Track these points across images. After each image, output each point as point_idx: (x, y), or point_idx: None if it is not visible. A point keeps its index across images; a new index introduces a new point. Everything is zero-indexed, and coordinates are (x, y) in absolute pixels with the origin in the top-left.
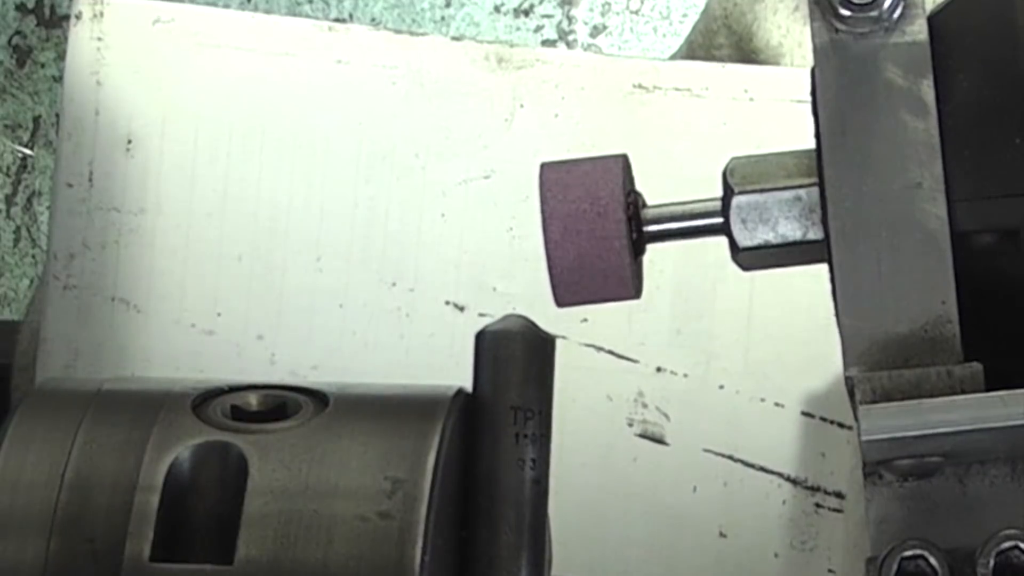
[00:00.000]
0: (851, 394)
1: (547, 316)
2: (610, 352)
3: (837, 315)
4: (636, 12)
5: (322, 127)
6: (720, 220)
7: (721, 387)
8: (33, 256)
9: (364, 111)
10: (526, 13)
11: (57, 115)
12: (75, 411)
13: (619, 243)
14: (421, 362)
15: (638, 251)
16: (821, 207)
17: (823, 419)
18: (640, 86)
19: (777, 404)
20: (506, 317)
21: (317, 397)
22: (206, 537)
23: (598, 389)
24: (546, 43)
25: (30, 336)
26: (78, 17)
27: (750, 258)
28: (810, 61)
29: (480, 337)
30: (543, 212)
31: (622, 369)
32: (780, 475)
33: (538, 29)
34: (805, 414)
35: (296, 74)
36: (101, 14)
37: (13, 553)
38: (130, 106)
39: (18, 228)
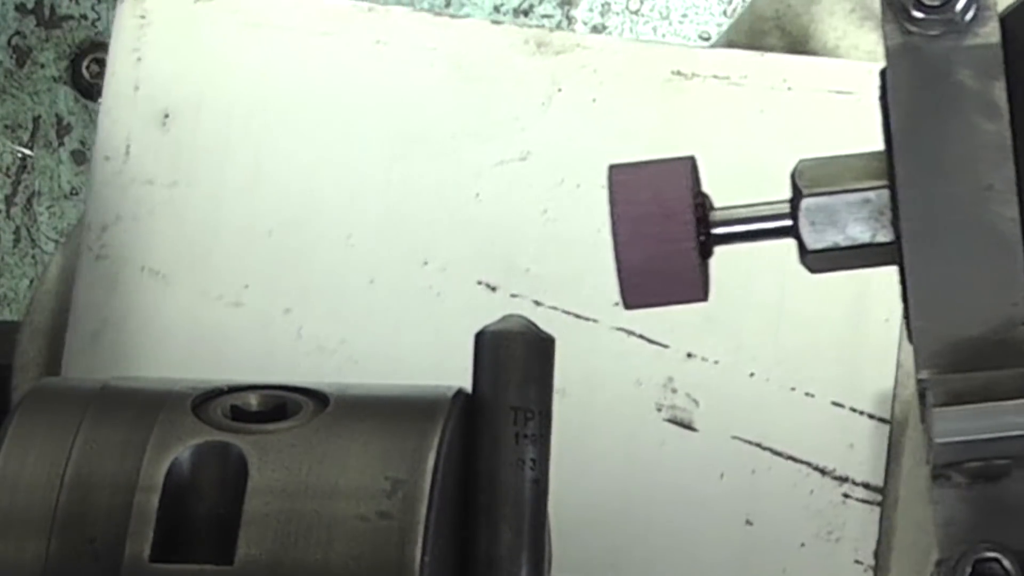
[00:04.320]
0: (922, 396)
1: (579, 299)
2: (640, 336)
3: (907, 318)
4: (636, 12)
5: (358, 106)
6: (789, 223)
7: (751, 375)
8: (33, 256)
9: (401, 91)
10: (525, 13)
11: (57, 115)
12: (75, 411)
13: (687, 245)
14: (451, 341)
15: (706, 253)
16: (891, 209)
17: (852, 409)
18: (678, 73)
19: (807, 393)
20: (506, 317)
21: (317, 397)
22: (206, 537)
23: (627, 373)
24: None
25: (30, 336)
26: None
27: (818, 260)
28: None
29: (480, 337)
30: (612, 214)
31: (652, 354)
32: (808, 464)
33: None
34: (835, 404)
35: (334, 54)
36: None
37: (13, 553)
38: (168, 82)
39: (18, 228)
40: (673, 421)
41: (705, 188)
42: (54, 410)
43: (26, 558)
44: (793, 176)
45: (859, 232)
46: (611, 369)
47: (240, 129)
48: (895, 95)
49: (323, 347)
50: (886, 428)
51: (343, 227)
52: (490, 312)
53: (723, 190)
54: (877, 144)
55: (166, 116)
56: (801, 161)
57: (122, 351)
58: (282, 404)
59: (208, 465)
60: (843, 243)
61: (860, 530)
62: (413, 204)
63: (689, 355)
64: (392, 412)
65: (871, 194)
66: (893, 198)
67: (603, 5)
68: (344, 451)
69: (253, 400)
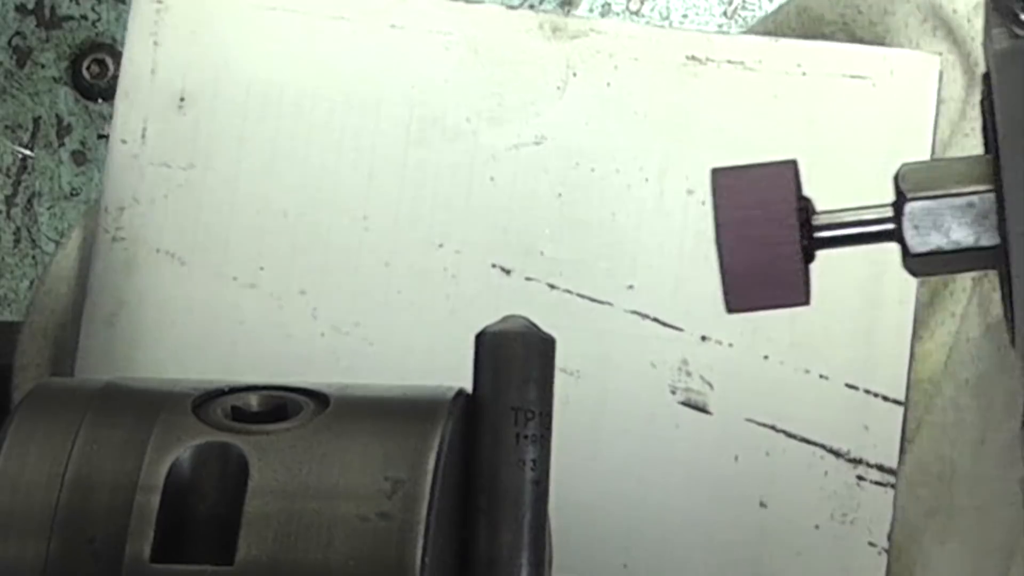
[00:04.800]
0: None
1: (593, 282)
2: (655, 320)
3: (1010, 321)
4: (636, 12)
5: (374, 90)
6: (892, 226)
7: (766, 357)
8: (33, 257)
9: (416, 76)
10: None
11: (58, 116)
12: (75, 411)
13: (792, 249)
14: (465, 323)
15: (809, 258)
16: (996, 213)
17: (867, 391)
18: (693, 58)
19: (822, 376)
20: (507, 318)
21: (317, 398)
22: (206, 537)
23: (642, 356)
24: None
25: (30, 336)
26: None
27: (921, 264)
28: None
29: (480, 337)
30: (716, 218)
31: (667, 337)
32: (822, 447)
33: None
34: (849, 386)
35: (350, 38)
36: None
37: (13, 553)
38: (185, 65)
39: (18, 229)
40: (687, 404)
41: None
42: (54, 410)
43: (26, 558)
44: (896, 180)
45: (963, 236)
46: (625, 352)
47: (256, 112)
48: (1002, 99)
49: (338, 328)
50: (900, 410)
51: (359, 210)
52: (505, 295)
53: None
54: (890, 127)
55: (182, 99)
56: (904, 165)
57: (138, 333)
58: (282, 404)
59: (208, 465)
60: (946, 247)
61: (874, 512)
62: (428, 187)
63: (704, 338)
64: (392, 412)
65: (975, 198)
66: (999, 202)
67: (603, 5)
68: (344, 451)
69: (253, 400)
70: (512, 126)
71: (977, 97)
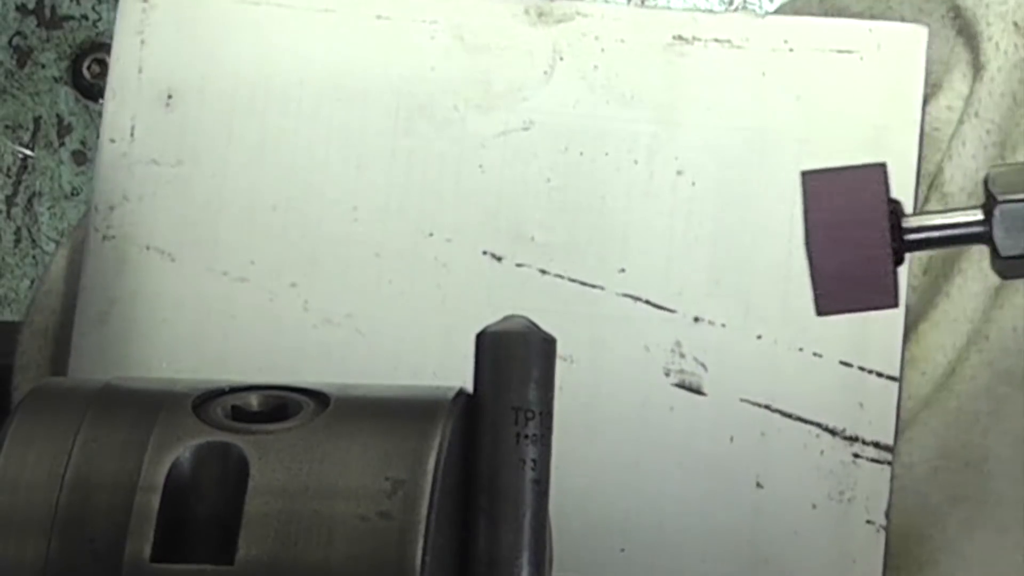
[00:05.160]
0: None
1: (585, 266)
2: (647, 302)
3: None
4: (641, 4)
5: (360, 81)
6: (982, 229)
7: (759, 337)
8: (33, 257)
9: (403, 65)
10: None
11: (58, 116)
12: (75, 411)
13: (883, 252)
14: (457, 311)
15: (899, 260)
16: None
17: (861, 368)
18: (680, 37)
19: (815, 354)
20: (507, 318)
21: (318, 398)
22: (207, 537)
23: (635, 339)
24: None
25: (30, 336)
26: None
27: (1011, 267)
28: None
29: (481, 337)
30: (806, 221)
31: (659, 319)
32: (818, 425)
33: None
34: (843, 364)
35: (336, 30)
36: None
37: (14, 553)
38: (172, 62)
39: (18, 229)
40: (682, 386)
41: (711, 151)
42: (55, 410)
43: (26, 558)
44: (986, 182)
45: None
46: (618, 335)
47: (244, 107)
48: None
49: (330, 320)
50: (895, 386)
51: (348, 201)
52: (496, 282)
53: (725, 151)
54: (879, 101)
55: (170, 97)
56: (993, 167)
57: (130, 330)
58: (283, 404)
59: (209, 465)
60: None
61: (871, 490)
62: (417, 176)
63: (696, 319)
64: (392, 412)
65: None
66: None
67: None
68: (345, 451)
69: (254, 400)
70: (500, 112)
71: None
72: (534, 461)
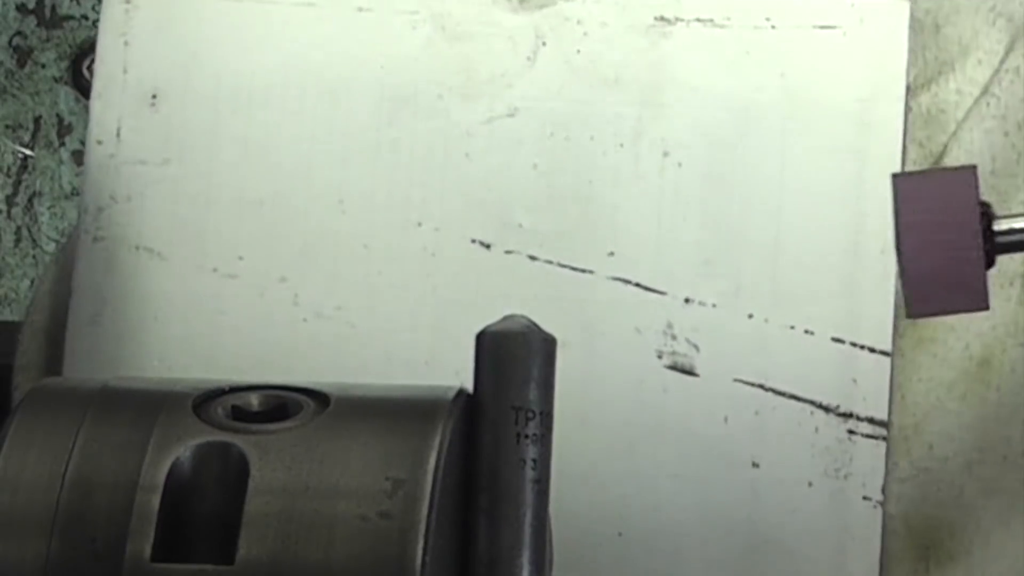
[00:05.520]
0: None
1: (574, 251)
2: (638, 285)
3: None
4: None
5: (343, 74)
6: None
7: (750, 316)
8: (33, 256)
9: (385, 56)
10: None
11: (58, 115)
12: (76, 411)
13: (975, 254)
14: (447, 300)
15: (990, 263)
16: None
17: (853, 344)
18: (662, 18)
19: (807, 331)
20: (507, 317)
21: (318, 398)
22: (207, 537)
23: (627, 322)
24: None
25: (31, 336)
26: None
27: None
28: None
29: (481, 337)
30: (898, 224)
31: (650, 301)
32: (812, 403)
33: None
34: (835, 340)
35: (317, 23)
36: None
37: (15, 552)
38: (155, 62)
39: (19, 228)
40: (674, 367)
41: (696, 131)
42: (55, 410)
43: (27, 557)
44: None
45: None
46: (610, 319)
47: (228, 104)
48: None
49: (320, 313)
50: (888, 361)
51: (335, 194)
52: (485, 269)
53: (710, 130)
54: (863, 76)
55: (154, 96)
56: None
57: (122, 330)
58: (283, 404)
59: (209, 465)
60: None
61: (867, 465)
62: (404, 167)
63: (687, 300)
64: (393, 412)
65: None
66: None
67: None
68: (345, 451)
69: (254, 400)
70: (484, 100)
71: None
72: (534, 461)
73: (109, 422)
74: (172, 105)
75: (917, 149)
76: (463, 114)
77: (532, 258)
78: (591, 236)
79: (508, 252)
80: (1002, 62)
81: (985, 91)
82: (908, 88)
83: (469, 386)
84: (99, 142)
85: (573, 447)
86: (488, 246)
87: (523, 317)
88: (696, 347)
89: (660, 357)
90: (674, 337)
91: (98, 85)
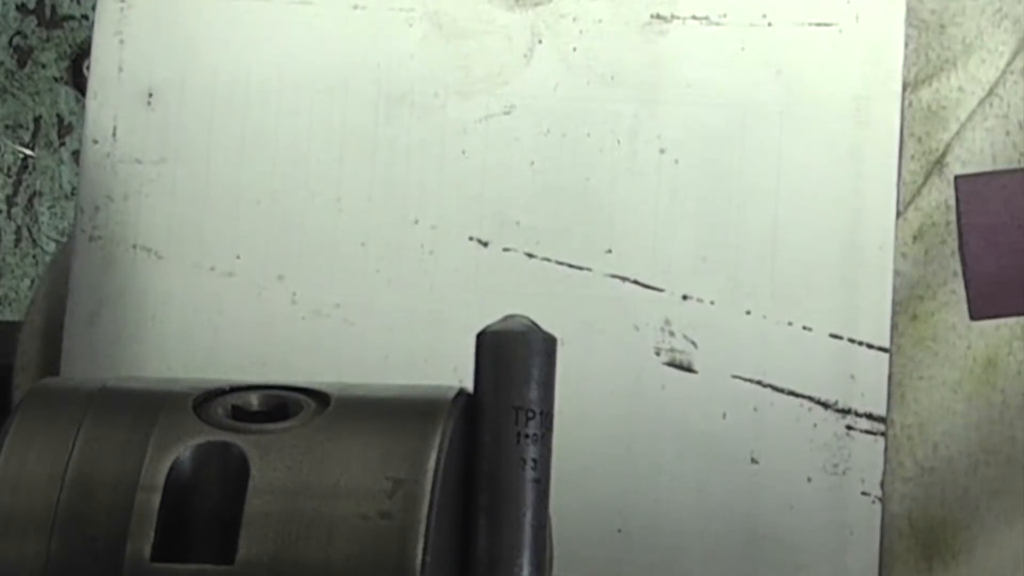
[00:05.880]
0: None
1: (571, 249)
2: (635, 282)
3: None
4: None
5: (340, 72)
6: None
7: (748, 312)
8: (34, 256)
9: (381, 54)
10: None
11: (58, 115)
12: (76, 411)
13: None
14: (445, 298)
15: None
16: None
17: (851, 340)
18: (658, 16)
19: (805, 327)
20: (508, 317)
21: (318, 397)
22: (207, 536)
23: (624, 319)
24: None
25: (31, 336)
26: None
27: None
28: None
29: (481, 337)
30: (961, 225)
31: (648, 298)
32: (810, 399)
33: None
34: (833, 336)
35: (313, 21)
36: None
37: (15, 552)
38: (151, 61)
39: (19, 228)
40: (673, 364)
41: (693, 128)
42: (55, 410)
43: (27, 557)
44: None
45: None
46: (608, 316)
47: (224, 102)
48: None
49: (318, 312)
50: (886, 357)
51: (332, 192)
52: (483, 267)
53: (707, 127)
54: (859, 73)
55: (150, 95)
56: None
57: (120, 330)
58: (283, 404)
59: (209, 465)
60: None
61: (865, 461)
62: (401, 165)
63: (685, 297)
64: (393, 412)
65: None
66: None
67: None
68: (345, 451)
69: (254, 400)
70: (480, 98)
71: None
72: (534, 460)
73: (109, 422)
74: (168, 104)
75: (916, 144)
76: (460, 112)
77: (529, 255)
78: (588, 233)
79: (506, 249)
80: (1008, 64)
81: (990, 92)
82: (909, 84)
83: (469, 385)
84: (95, 141)
85: (571, 445)
86: (485, 243)
87: (523, 317)
88: (694, 344)
89: (658, 354)
90: (672, 334)
91: (94, 84)
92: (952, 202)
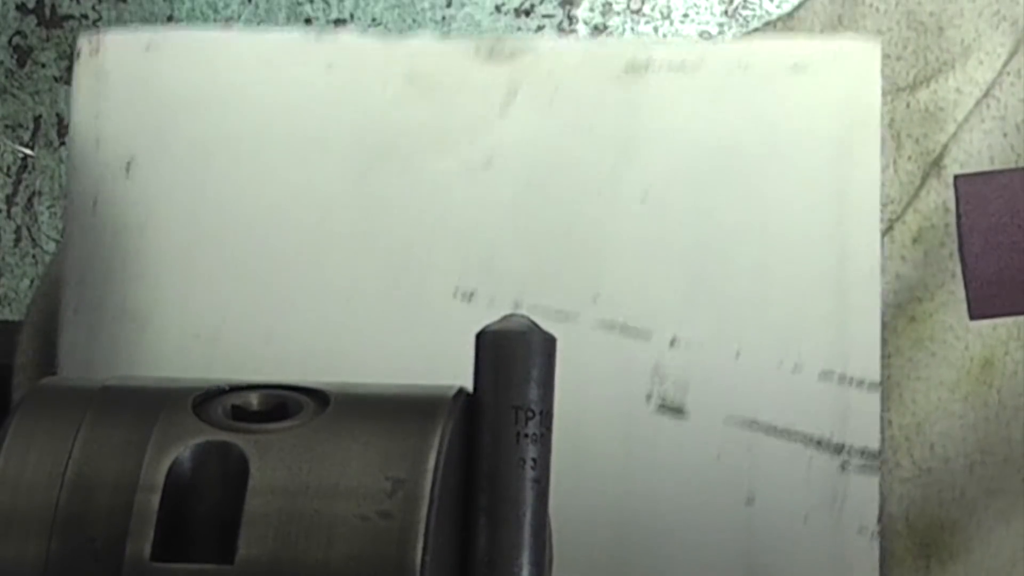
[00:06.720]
0: None
1: (558, 295)
2: (623, 327)
3: None
4: (637, 12)
5: (318, 133)
6: None
7: (738, 354)
8: (33, 256)
9: (359, 114)
10: (527, 13)
11: (58, 115)
12: (76, 411)
13: None
14: (434, 352)
15: None
16: None
17: (842, 377)
18: (633, 66)
19: (795, 366)
20: (507, 316)
21: (318, 397)
22: (207, 537)
23: (614, 365)
24: None
25: (30, 336)
26: (78, 56)
27: None
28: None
29: (481, 336)
30: (960, 225)
31: (636, 344)
32: (804, 437)
33: (539, 29)
34: (824, 374)
35: (288, 84)
36: (98, 49)
37: (14, 553)
38: (129, 131)
39: (18, 228)
40: (664, 408)
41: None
42: (55, 410)
43: (27, 558)
44: None
45: None
46: (597, 363)
47: (203, 169)
48: None
49: (306, 373)
50: (877, 392)
51: (316, 252)
52: (471, 319)
53: (687, 174)
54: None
55: (129, 164)
56: None
57: None
58: (283, 404)
59: (209, 465)
60: None
61: (861, 498)
62: (383, 221)
63: (673, 341)
64: (393, 411)
65: None
66: None
67: (604, 5)
68: (345, 451)
69: (254, 399)
70: (459, 151)
71: None
72: (534, 460)
73: (109, 422)
74: (149, 172)
75: (913, 146)
76: (439, 166)
77: (516, 305)
78: (574, 281)
79: (492, 301)
80: (1004, 65)
81: (987, 93)
82: (907, 86)
83: (469, 386)
84: (76, 214)
85: (565, 491)
86: (471, 295)
87: (523, 316)
88: (685, 387)
89: (649, 399)
90: (662, 378)
91: (72, 157)
92: (950, 204)
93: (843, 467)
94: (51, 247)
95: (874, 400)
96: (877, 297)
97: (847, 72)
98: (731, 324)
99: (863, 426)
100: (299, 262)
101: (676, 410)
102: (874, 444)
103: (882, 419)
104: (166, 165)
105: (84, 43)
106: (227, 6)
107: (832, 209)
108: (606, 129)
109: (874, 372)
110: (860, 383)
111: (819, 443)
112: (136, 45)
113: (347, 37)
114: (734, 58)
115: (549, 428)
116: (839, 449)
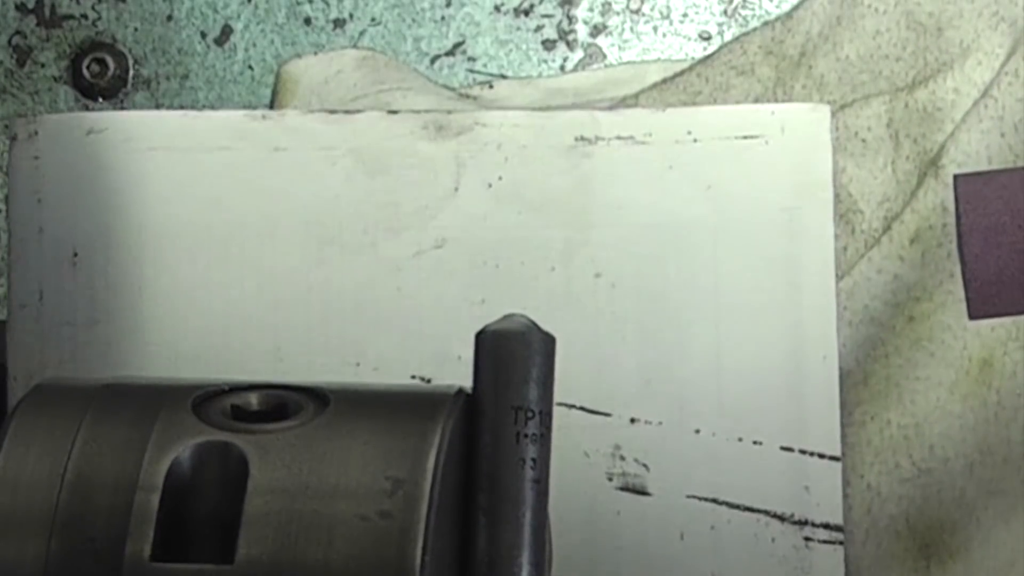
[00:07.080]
0: None
1: None
2: (582, 408)
3: None
4: (636, 12)
5: (267, 216)
6: None
7: (697, 431)
8: None
9: (307, 195)
10: (526, 13)
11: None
12: (75, 411)
13: None
14: None
15: None
16: None
17: (802, 452)
18: (582, 138)
19: (755, 442)
20: (507, 316)
21: (318, 397)
22: (207, 537)
23: (574, 447)
24: (546, 43)
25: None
26: (14, 139)
27: None
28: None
29: (481, 337)
30: (960, 226)
31: (596, 424)
32: (766, 513)
33: (538, 29)
34: (784, 449)
35: (234, 167)
36: (36, 132)
37: (14, 553)
38: (72, 219)
39: None
40: (626, 488)
41: (626, 250)
42: (54, 410)
43: (27, 558)
44: None
45: None
46: (557, 444)
47: (151, 257)
48: None
49: None
50: (838, 466)
51: (270, 340)
52: None
53: (640, 248)
54: (788, 183)
55: (75, 255)
56: None
57: None
58: (283, 404)
59: (209, 465)
60: None
61: (826, 570)
62: (337, 307)
63: (632, 420)
64: (393, 411)
65: None
66: None
67: (603, 5)
68: (345, 451)
69: (254, 400)
70: (410, 233)
71: None
72: (534, 460)
73: (109, 421)
74: (95, 263)
75: (911, 145)
76: (390, 249)
77: None
78: None
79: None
80: (1003, 65)
81: (985, 93)
82: (906, 86)
83: (468, 386)
84: (22, 306)
85: None
86: (428, 380)
87: (522, 316)
88: (646, 466)
89: (611, 479)
90: (623, 458)
91: (15, 246)
92: (948, 204)
93: (807, 541)
94: None
95: (835, 473)
96: (835, 368)
97: (797, 137)
98: (689, 402)
99: (825, 499)
100: (254, 351)
101: (638, 489)
102: (837, 517)
103: (843, 487)
104: (113, 256)
105: (20, 127)
106: (227, 6)
107: (786, 278)
108: (556, 204)
109: (834, 445)
110: (821, 456)
111: (782, 518)
112: (76, 129)
113: (292, 116)
114: (683, 128)
115: (549, 428)
116: (802, 523)
